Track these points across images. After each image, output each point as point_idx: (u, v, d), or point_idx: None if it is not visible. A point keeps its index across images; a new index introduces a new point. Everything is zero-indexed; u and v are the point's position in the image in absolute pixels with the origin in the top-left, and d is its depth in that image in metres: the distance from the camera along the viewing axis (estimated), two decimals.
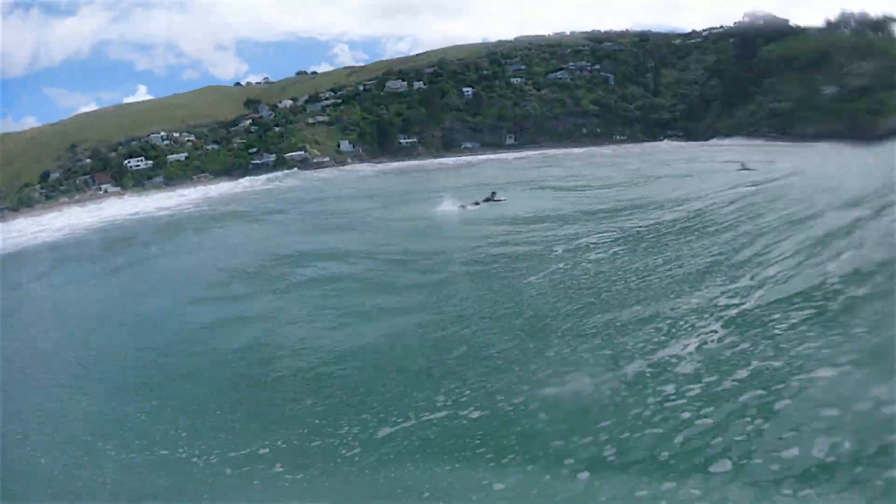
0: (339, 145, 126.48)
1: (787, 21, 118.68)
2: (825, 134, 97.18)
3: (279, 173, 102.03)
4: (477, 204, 31.00)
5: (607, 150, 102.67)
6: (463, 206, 30.93)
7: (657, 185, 37.39)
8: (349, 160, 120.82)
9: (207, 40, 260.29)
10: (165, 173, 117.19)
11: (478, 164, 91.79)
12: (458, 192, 35.64)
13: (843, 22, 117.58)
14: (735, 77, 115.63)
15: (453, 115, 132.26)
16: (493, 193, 31.69)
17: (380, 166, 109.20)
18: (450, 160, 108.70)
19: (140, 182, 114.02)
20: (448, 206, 30.89)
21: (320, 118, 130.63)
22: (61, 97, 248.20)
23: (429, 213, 30.62)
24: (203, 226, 40.00)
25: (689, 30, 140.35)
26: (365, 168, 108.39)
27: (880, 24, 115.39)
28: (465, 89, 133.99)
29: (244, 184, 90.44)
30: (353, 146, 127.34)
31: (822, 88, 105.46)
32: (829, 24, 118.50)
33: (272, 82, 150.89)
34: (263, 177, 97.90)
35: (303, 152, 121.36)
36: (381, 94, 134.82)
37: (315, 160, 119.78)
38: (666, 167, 54.98)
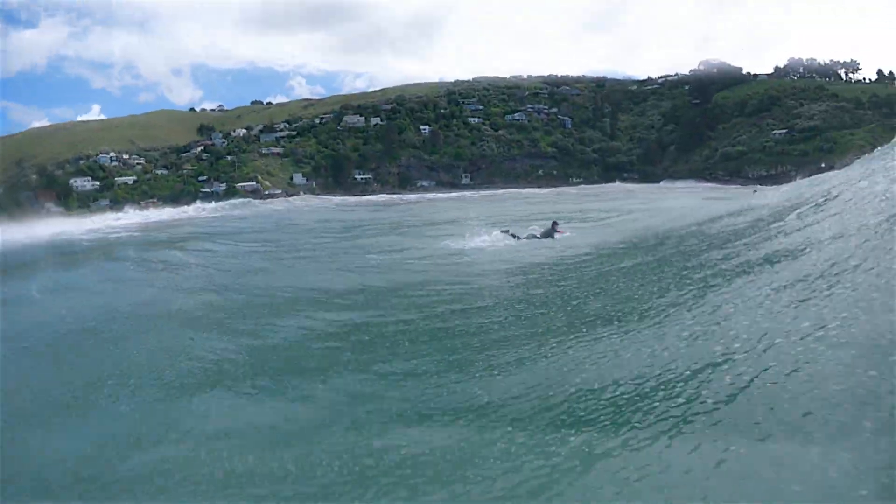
0: (292, 178, 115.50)
1: (740, 69, 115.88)
2: (774, 175, 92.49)
3: (227, 203, 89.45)
4: (516, 237, 20.44)
5: (572, 189, 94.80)
6: (511, 235, 20.46)
7: (684, 211, 27.75)
8: (302, 193, 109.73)
9: (165, 64, 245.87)
10: (112, 195, 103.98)
11: (440, 200, 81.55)
12: (455, 227, 25.00)
13: (791, 68, 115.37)
14: (690, 122, 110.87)
15: (410, 152, 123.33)
16: (555, 224, 21.41)
17: (337, 199, 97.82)
18: (412, 196, 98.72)
19: (85, 203, 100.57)
20: (484, 237, 20.05)
21: (274, 149, 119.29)
22: (13, 111, 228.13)
23: (448, 246, 19.70)
24: (122, 255, 28.17)
25: (644, 76, 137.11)
26: (318, 201, 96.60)
27: (827, 70, 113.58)
28: (422, 127, 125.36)
29: (189, 211, 77.57)
30: (307, 179, 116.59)
31: (772, 131, 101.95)
32: (777, 70, 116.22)
33: (227, 110, 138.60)
34: (212, 205, 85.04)
35: (254, 183, 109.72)
36: (338, 128, 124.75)
37: (267, 192, 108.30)
38: (660, 202, 46.60)
